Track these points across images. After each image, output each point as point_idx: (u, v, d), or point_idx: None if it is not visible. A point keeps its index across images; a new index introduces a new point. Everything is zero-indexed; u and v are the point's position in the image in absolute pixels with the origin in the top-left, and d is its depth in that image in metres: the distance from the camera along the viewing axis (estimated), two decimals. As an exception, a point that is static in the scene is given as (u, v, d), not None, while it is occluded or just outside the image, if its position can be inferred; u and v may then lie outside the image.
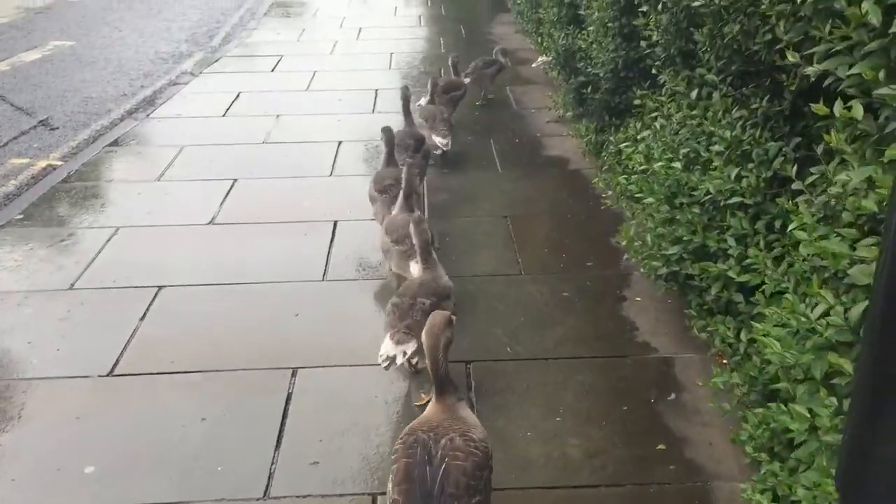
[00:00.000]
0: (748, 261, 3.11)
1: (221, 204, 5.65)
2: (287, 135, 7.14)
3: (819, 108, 2.40)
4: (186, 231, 5.25)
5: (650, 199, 3.93)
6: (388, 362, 3.38)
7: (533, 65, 8.67)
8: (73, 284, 4.59)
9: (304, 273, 4.70)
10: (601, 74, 5.49)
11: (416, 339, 3.33)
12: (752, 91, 3.40)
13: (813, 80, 2.54)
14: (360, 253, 4.93)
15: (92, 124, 7.79)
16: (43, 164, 6.78)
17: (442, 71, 9.09)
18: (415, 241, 3.81)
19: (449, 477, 2.33)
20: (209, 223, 5.37)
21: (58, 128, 7.72)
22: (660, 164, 3.69)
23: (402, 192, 4.53)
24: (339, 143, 6.90)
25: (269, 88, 8.62)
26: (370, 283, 4.60)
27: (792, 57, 2.63)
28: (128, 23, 12.59)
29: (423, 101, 6.81)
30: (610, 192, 4.46)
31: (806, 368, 2.42)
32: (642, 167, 3.95)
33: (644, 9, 4.22)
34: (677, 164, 3.64)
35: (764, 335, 2.54)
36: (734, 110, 3.40)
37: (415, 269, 4.00)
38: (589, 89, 6.02)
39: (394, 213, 4.54)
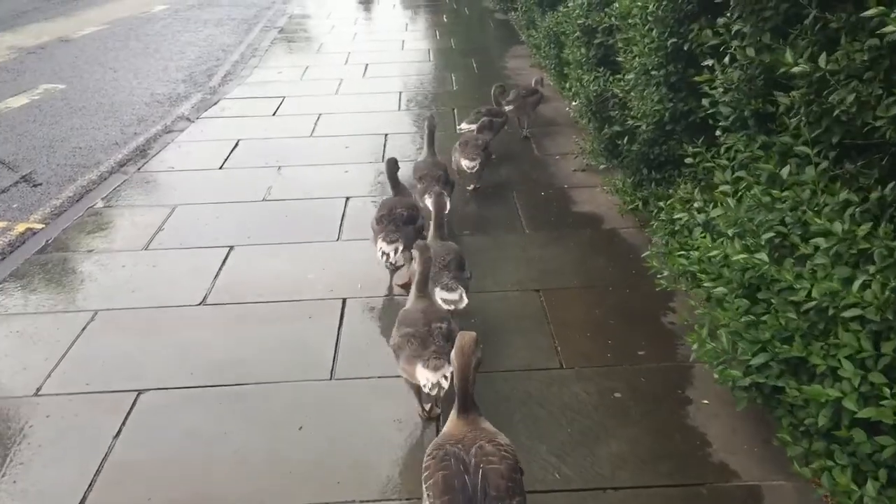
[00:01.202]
0: (869, 389, 2.45)
1: (215, 278, 4.99)
2: (289, 190, 6.50)
3: None
4: (174, 315, 4.59)
5: (722, 290, 3.27)
6: (436, 389, 3.32)
7: (568, 109, 8.03)
8: (38, 389, 3.93)
9: (308, 370, 4.03)
10: (643, 127, 4.84)
11: (448, 362, 3.25)
12: (858, 170, 2.74)
13: None
14: (374, 341, 4.26)
15: (78, 179, 7.17)
16: (21, 227, 6.15)
17: (455, 111, 8.48)
18: (416, 267, 3.79)
19: (489, 481, 2.42)
20: (200, 304, 4.71)
21: (41, 184, 7.10)
22: (738, 255, 3.01)
23: (433, 223, 4.54)
24: (347, 199, 6.25)
25: (270, 135, 8.00)
26: (386, 383, 3.92)
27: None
28: (123, 62, 12.03)
29: (464, 125, 6.86)
30: (665, 272, 3.81)
31: None
32: (710, 253, 3.27)
33: (708, 62, 3.56)
34: (762, 256, 2.96)
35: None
36: (840, 193, 2.73)
37: (441, 295, 4.05)
38: (625, 140, 5.38)
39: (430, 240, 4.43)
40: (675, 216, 4.00)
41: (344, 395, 3.85)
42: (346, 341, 4.28)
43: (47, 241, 5.65)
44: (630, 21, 4.91)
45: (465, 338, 2.75)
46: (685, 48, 4.35)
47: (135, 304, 4.72)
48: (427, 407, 3.68)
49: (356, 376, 3.98)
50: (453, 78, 10.18)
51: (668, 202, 4.37)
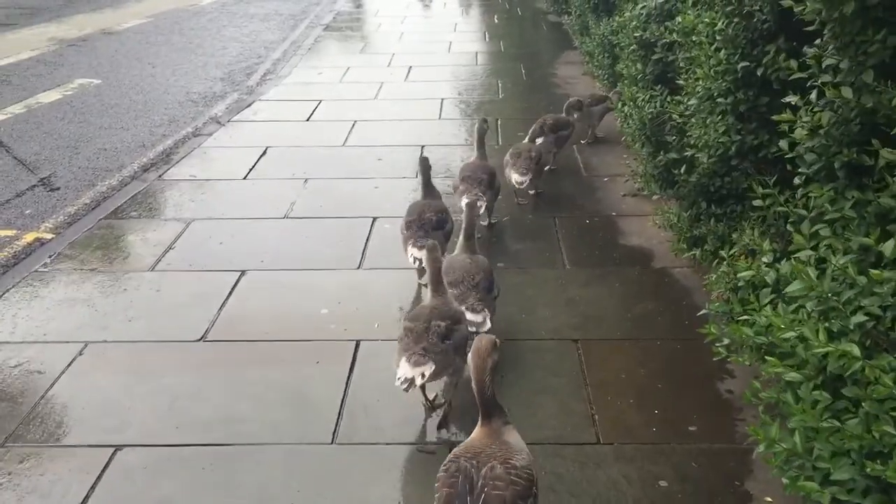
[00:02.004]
0: None
1: (220, 309, 4.55)
2: (313, 206, 6.03)
3: None
4: (169, 353, 4.15)
5: (796, 376, 2.69)
6: (406, 384, 3.29)
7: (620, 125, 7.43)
8: (6, 439, 3.51)
9: (308, 430, 3.55)
10: (704, 160, 4.24)
11: (432, 361, 3.35)
12: None
13: None
14: (386, 396, 3.76)
15: (98, 184, 6.82)
16: (30, 237, 5.80)
17: (499, 122, 7.93)
18: (426, 267, 3.78)
19: None
20: (200, 339, 4.26)
21: (59, 188, 6.76)
22: (821, 346, 2.43)
23: (462, 232, 4.35)
24: (374, 219, 5.76)
25: (301, 143, 7.55)
26: (396, 452, 3.41)
27: None
28: (163, 58, 11.73)
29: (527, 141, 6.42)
30: (725, 339, 3.23)
31: None
32: (783, 334, 2.68)
33: (791, 99, 2.96)
34: (852, 348, 2.37)
35: None
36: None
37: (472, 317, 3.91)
38: (682, 169, 4.78)
39: (455, 253, 4.37)
40: (740, 273, 3.40)
41: (345, 464, 3.35)
42: (354, 395, 3.78)
43: (51, 255, 5.27)
44: (694, 38, 4.31)
45: (482, 340, 2.73)
46: (758, 73, 3.74)
47: (129, 336, 4.30)
48: (431, 397, 3.71)
49: (362, 441, 3.48)
50: (500, 85, 9.62)
51: (730, 252, 3.78)
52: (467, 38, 12.79)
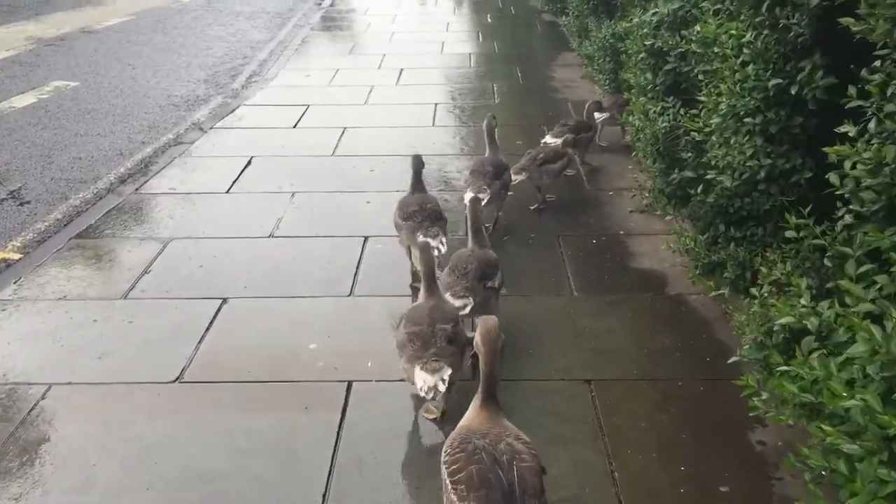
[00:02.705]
0: None
1: (199, 344, 4.16)
2: (301, 224, 5.64)
3: None
4: (142, 397, 3.76)
5: (855, 449, 2.34)
6: (432, 393, 3.24)
7: (627, 138, 7.05)
8: (-46, 504, 3.13)
9: (293, 494, 3.16)
10: (728, 183, 3.88)
11: (448, 365, 3.30)
12: None
13: None
14: (381, 449, 3.39)
15: (71, 197, 6.40)
16: (-4, 257, 5.39)
17: (495, 129, 7.54)
18: (420, 266, 3.77)
19: (525, 480, 2.37)
20: (175, 380, 3.88)
21: (29, 201, 6.35)
22: (891, 425, 2.08)
23: (469, 228, 4.34)
24: (366, 238, 5.38)
25: (288, 152, 7.16)
26: (392, 519, 3.05)
27: None
28: (144, 58, 11.29)
29: (549, 137, 6.39)
30: (763, 394, 2.89)
31: None
32: (842, 402, 2.33)
33: (848, 128, 2.60)
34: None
35: None
36: None
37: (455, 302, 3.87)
38: (698, 188, 4.42)
39: (467, 247, 4.29)
40: (778, 319, 3.04)
41: (336, 533, 2.99)
42: (346, 448, 3.40)
43: (16, 280, 4.87)
44: (716, 50, 3.95)
45: (489, 322, 2.72)
46: (791, 91, 3.39)
47: (97, 376, 3.91)
48: (436, 406, 3.60)
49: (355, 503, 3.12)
50: (495, 88, 9.25)
51: (760, 289, 3.42)
52: (460, 38, 12.41)
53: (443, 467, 2.49)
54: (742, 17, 3.74)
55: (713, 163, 4.02)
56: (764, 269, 3.71)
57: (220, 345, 4.17)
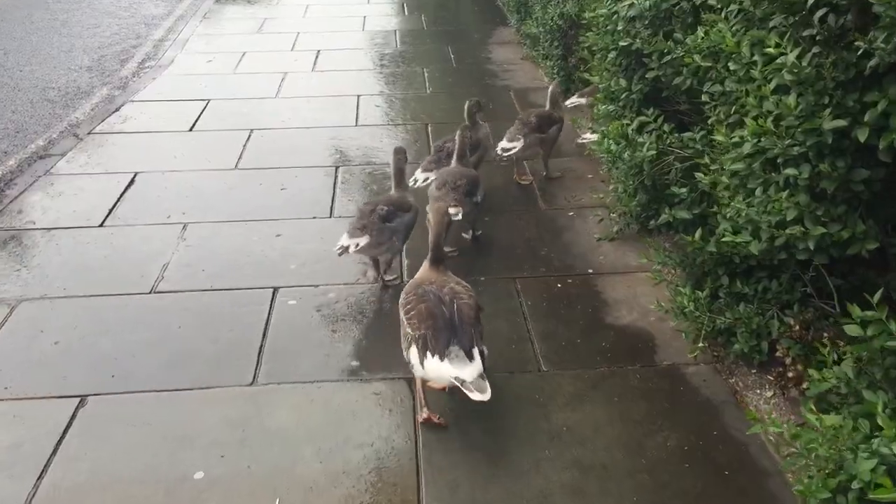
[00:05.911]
0: None
1: (39, 478, 3.01)
2: (191, 274, 4.47)
3: None
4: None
5: None
6: (341, 250, 4.00)
7: (567, 103, 6.00)
8: None
9: None
10: (754, 249, 2.90)
11: (368, 235, 4.02)
12: None
13: None
14: None
15: None
16: None
17: (430, 127, 6.46)
18: (390, 168, 4.46)
19: (462, 312, 3.10)
20: (-1, 553, 2.74)
21: None
22: None
23: (455, 153, 4.71)
24: (275, 290, 4.27)
25: (181, 165, 5.92)
26: None
27: None
28: (19, 40, 9.72)
29: (505, 142, 5.33)
30: (786, 453, 1.96)
31: None
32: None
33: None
34: None
35: None
36: None
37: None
38: (696, 235, 3.44)
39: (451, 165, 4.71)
40: (857, 470, 2.11)
41: None
42: None
43: None
44: (731, 66, 2.93)
45: (442, 206, 3.82)
46: (857, 136, 2.41)
47: None
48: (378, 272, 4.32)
49: None
50: (426, 74, 8.11)
51: (807, 402, 2.49)
52: (383, 10, 11.15)
53: (401, 310, 3.23)
54: (771, 24, 2.73)
55: (728, 215, 3.03)
56: (784, 349, 2.83)
57: (69, 479, 3.02)
